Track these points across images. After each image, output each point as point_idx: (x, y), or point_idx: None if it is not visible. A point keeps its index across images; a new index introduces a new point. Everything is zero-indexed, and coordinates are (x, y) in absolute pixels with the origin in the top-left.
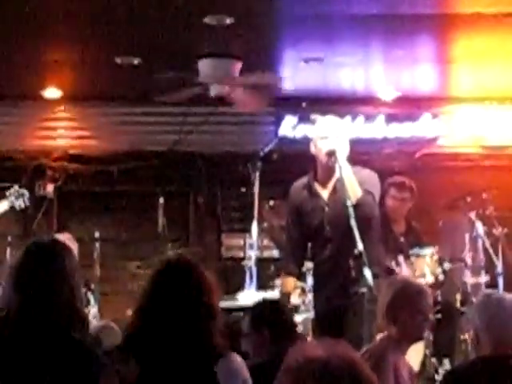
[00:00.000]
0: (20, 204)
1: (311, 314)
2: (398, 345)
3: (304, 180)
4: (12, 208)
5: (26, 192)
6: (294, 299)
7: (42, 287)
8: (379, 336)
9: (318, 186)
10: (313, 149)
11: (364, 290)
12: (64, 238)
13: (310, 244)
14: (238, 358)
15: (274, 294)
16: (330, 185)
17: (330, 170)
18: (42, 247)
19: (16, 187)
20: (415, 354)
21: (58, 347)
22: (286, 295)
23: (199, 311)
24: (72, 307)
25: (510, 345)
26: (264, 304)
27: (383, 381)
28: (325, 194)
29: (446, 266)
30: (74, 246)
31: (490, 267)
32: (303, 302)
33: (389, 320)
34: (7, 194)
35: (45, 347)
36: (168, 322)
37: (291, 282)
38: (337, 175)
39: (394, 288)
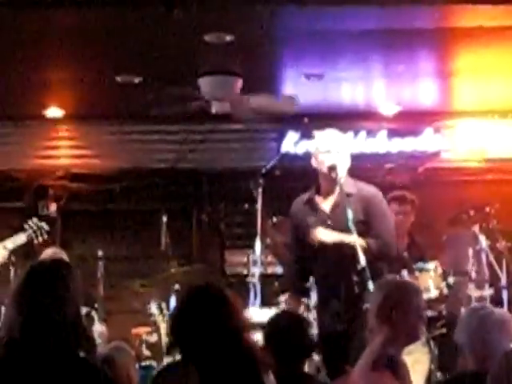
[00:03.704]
0: (38, 237)
1: (316, 331)
2: (391, 345)
3: (305, 196)
4: (30, 241)
5: (44, 225)
6: None
7: (47, 308)
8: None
9: (319, 200)
10: (314, 163)
11: (369, 305)
12: (51, 251)
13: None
14: None
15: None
16: (332, 198)
17: (332, 183)
18: (44, 268)
19: (35, 220)
20: (420, 368)
21: (66, 367)
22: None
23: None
24: (78, 326)
25: (490, 360)
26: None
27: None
28: (327, 207)
29: (451, 279)
30: (64, 257)
31: (494, 280)
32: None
33: (381, 320)
34: (26, 226)
35: (52, 368)
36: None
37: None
38: (338, 190)
39: (386, 288)
